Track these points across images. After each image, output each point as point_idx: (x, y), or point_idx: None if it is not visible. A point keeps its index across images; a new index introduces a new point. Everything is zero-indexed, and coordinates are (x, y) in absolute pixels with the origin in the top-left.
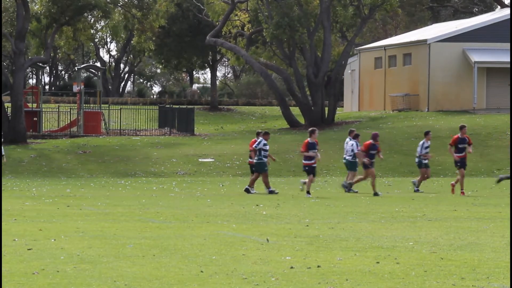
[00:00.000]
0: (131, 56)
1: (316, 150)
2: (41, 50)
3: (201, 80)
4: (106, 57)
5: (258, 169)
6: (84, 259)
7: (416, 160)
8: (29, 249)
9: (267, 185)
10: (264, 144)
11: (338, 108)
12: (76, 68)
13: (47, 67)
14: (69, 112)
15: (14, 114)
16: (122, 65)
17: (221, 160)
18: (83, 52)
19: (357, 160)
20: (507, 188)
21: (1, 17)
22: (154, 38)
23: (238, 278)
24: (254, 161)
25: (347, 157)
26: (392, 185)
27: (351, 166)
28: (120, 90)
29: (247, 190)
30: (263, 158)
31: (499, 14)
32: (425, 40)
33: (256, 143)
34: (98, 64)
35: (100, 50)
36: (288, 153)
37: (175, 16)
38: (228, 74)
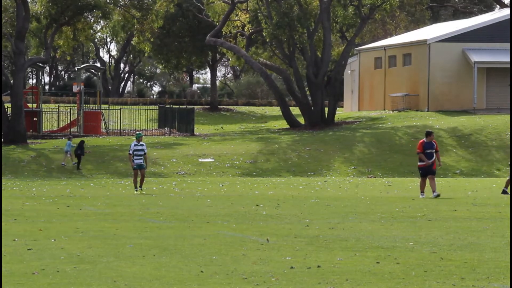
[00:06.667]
0: (131, 56)
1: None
2: (41, 50)
3: (201, 80)
4: (106, 57)
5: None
6: (84, 259)
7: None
8: (29, 249)
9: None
10: None
11: (338, 108)
12: (76, 68)
13: (47, 67)
14: (69, 112)
15: (14, 114)
16: (122, 65)
17: (221, 160)
18: (83, 52)
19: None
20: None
21: (1, 17)
22: (152, 40)
23: (238, 278)
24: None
25: None
26: (392, 185)
27: None
28: (120, 90)
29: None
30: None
31: (499, 14)
32: (425, 40)
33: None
34: (98, 64)
35: (100, 50)
36: (288, 153)
37: (175, 16)
38: (228, 74)
